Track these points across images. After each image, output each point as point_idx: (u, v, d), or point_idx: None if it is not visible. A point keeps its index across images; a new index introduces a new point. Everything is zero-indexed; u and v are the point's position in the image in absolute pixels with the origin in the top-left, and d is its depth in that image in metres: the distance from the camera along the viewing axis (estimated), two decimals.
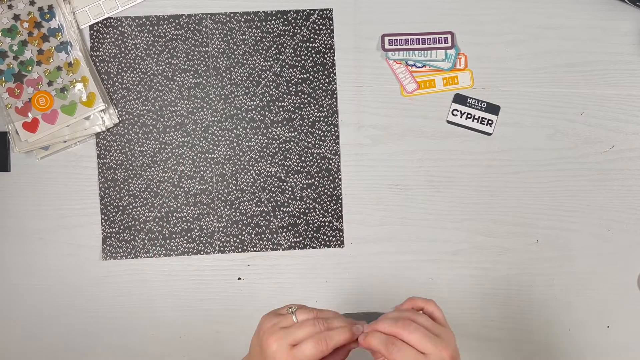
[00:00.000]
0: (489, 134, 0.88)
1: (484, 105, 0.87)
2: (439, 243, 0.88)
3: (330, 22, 0.87)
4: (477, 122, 0.87)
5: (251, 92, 0.87)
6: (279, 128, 0.87)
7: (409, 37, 0.87)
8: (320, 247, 0.87)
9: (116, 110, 0.86)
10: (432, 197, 0.87)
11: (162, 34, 0.86)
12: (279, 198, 0.87)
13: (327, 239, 0.88)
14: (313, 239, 0.88)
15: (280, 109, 0.87)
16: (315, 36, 0.87)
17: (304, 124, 0.87)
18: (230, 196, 0.87)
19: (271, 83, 0.87)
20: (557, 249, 0.88)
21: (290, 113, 0.87)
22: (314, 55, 0.87)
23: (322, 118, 0.87)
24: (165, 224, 0.87)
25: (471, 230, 0.88)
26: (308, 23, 0.86)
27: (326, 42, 0.87)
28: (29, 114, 0.85)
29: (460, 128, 0.87)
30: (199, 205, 0.87)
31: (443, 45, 0.87)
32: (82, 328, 0.87)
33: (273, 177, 0.87)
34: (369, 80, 0.87)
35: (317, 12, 0.86)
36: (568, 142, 0.88)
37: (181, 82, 0.87)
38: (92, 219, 0.87)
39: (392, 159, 0.88)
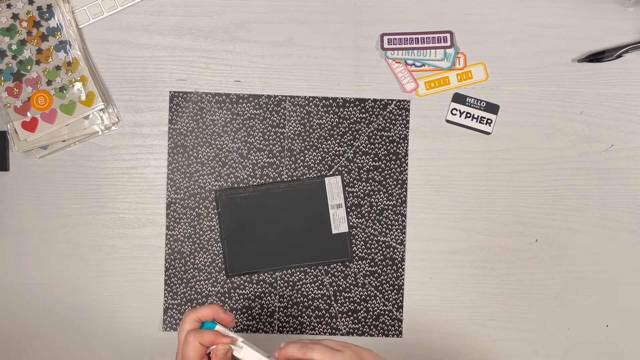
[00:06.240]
0: (488, 133, 0.88)
1: (483, 104, 0.87)
2: (438, 242, 0.87)
3: (407, 112, 0.87)
4: (477, 121, 0.87)
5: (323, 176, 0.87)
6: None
7: (408, 37, 0.87)
8: (378, 335, 0.87)
9: (115, 110, 0.86)
10: (432, 197, 0.87)
11: (240, 111, 0.87)
12: (341, 283, 0.87)
13: (385, 327, 0.87)
14: (372, 326, 0.87)
15: (350, 194, 0.87)
16: (391, 125, 0.87)
17: (372, 211, 0.87)
18: (293, 277, 0.87)
19: (343, 168, 0.87)
20: (556, 248, 0.87)
21: (359, 199, 0.87)
22: (387, 144, 0.87)
23: (390, 207, 0.87)
24: (226, 299, 0.87)
25: (470, 229, 0.87)
26: (385, 112, 0.86)
27: (401, 132, 0.87)
28: (28, 113, 0.84)
29: (459, 127, 0.87)
30: (262, 284, 0.87)
31: (442, 44, 0.87)
32: (81, 327, 0.86)
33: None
34: (368, 79, 0.87)
35: (394, 102, 0.86)
36: (567, 141, 0.87)
37: (255, 160, 0.87)
38: (90, 218, 0.86)
39: None
